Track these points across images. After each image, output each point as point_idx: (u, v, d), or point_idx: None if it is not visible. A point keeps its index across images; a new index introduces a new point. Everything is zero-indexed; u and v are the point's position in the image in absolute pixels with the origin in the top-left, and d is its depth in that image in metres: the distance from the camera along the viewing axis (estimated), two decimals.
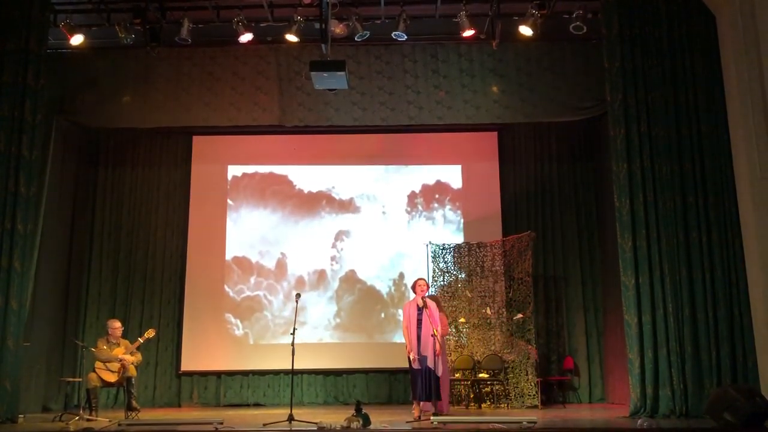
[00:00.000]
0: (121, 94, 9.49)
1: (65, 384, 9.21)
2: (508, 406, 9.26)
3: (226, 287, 10.79)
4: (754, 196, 7.13)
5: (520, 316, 9.59)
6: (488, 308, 9.83)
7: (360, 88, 9.41)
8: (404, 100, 9.41)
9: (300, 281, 10.75)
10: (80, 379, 9.25)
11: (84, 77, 9.45)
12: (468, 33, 8.60)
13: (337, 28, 8.47)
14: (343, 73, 8.07)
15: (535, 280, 9.94)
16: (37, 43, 8.14)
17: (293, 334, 7.35)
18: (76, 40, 8.67)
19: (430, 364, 7.37)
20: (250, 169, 11.18)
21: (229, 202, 11.06)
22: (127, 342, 8.21)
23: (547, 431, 6.51)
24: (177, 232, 10.99)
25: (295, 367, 7.48)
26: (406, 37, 8.56)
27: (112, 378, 7.92)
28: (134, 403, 7.91)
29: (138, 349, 8.19)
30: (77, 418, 7.42)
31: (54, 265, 9.97)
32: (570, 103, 9.27)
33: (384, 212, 10.99)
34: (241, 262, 10.88)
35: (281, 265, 10.87)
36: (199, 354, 10.50)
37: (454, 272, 10.12)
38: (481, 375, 9.47)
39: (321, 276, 10.81)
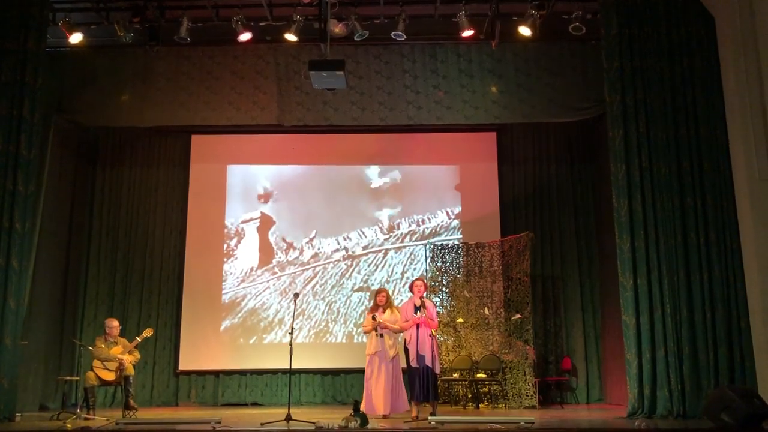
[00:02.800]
0: (119, 93, 9.48)
1: (63, 383, 9.19)
2: (506, 406, 9.26)
3: (224, 287, 10.78)
4: (752, 197, 7.14)
5: (518, 316, 9.59)
6: (486, 308, 9.84)
7: (359, 88, 9.41)
8: (403, 99, 9.42)
9: (298, 281, 10.74)
10: (78, 378, 9.28)
11: (82, 76, 9.44)
12: (467, 33, 8.60)
13: (336, 28, 8.46)
14: (342, 72, 8.06)
15: (533, 281, 9.94)
16: (36, 41, 8.12)
17: (291, 333, 7.36)
18: (75, 38, 8.66)
19: (428, 363, 7.38)
20: (249, 168, 11.17)
21: (228, 201, 11.05)
22: (125, 341, 8.20)
23: (544, 431, 6.52)
24: (175, 231, 11.00)
25: (292, 367, 7.49)
26: (405, 36, 8.55)
27: (110, 377, 7.91)
28: (132, 402, 7.90)
29: (136, 348, 8.18)
30: (75, 416, 7.41)
31: (52, 264, 9.97)
32: (568, 104, 9.27)
33: (382, 212, 10.99)
34: (240, 262, 10.87)
35: (279, 264, 10.87)
36: (197, 353, 10.50)
37: (453, 272, 10.12)
38: (479, 375, 9.47)
39: (319, 275, 10.80)
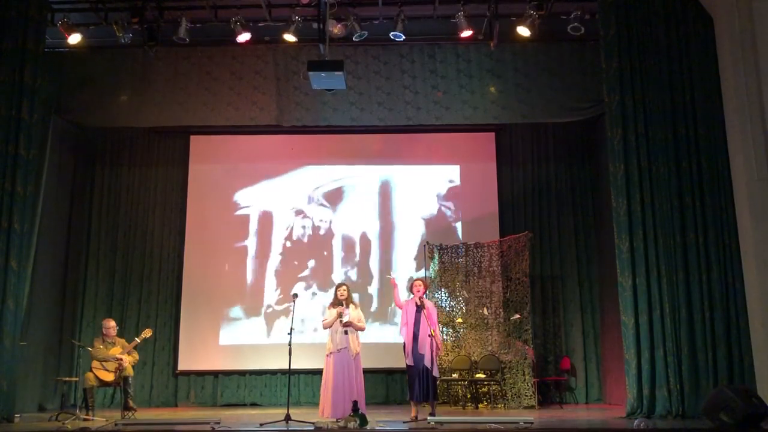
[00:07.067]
0: (118, 94, 9.49)
1: (62, 383, 9.20)
2: (505, 406, 9.26)
3: (223, 287, 10.77)
4: (750, 197, 7.15)
5: (517, 316, 9.59)
6: (485, 308, 9.83)
7: (358, 88, 9.42)
8: (402, 100, 9.42)
9: (297, 281, 10.73)
10: (77, 379, 9.28)
11: (81, 76, 9.43)
12: (466, 33, 8.61)
13: (335, 28, 8.47)
14: (341, 73, 8.05)
15: (532, 281, 9.94)
16: (35, 42, 8.13)
17: (290, 334, 7.35)
18: (74, 39, 8.66)
19: (427, 363, 7.37)
20: (248, 169, 11.16)
21: (227, 201, 11.04)
22: (123, 341, 8.19)
23: (543, 431, 6.52)
24: (174, 231, 10.99)
25: (291, 367, 7.47)
26: (404, 37, 8.56)
27: (109, 377, 7.91)
28: (131, 403, 7.89)
29: (135, 348, 8.18)
30: (74, 417, 7.40)
31: (51, 265, 9.96)
32: (567, 104, 9.28)
33: (382, 212, 10.98)
34: (239, 263, 10.86)
35: (278, 265, 10.86)
36: (196, 354, 10.50)
37: (452, 272, 10.11)
38: (478, 375, 9.47)
39: (318, 276, 10.79)
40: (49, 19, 8.59)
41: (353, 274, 10.77)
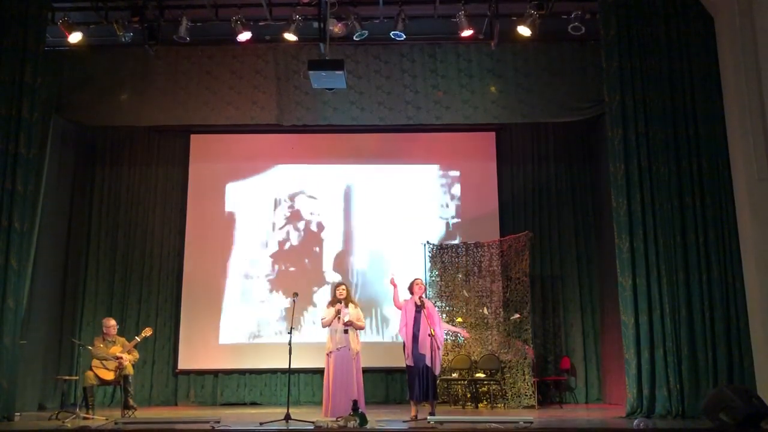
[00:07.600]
0: (118, 93, 9.48)
1: (62, 382, 9.18)
2: (504, 406, 9.27)
3: (223, 286, 10.77)
4: (751, 197, 7.16)
5: (517, 316, 9.59)
6: (485, 308, 9.84)
7: (358, 88, 9.42)
8: (402, 99, 9.42)
9: (297, 280, 10.71)
10: (77, 378, 9.29)
11: (82, 75, 9.43)
12: (466, 33, 8.61)
13: (336, 28, 8.47)
14: (341, 72, 8.06)
15: (532, 281, 9.93)
16: (35, 40, 8.12)
17: (290, 333, 7.35)
18: (74, 38, 8.66)
19: (428, 362, 7.37)
20: (248, 168, 11.16)
21: (227, 200, 11.05)
22: (124, 340, 8.19)
23: (543, 431, 6.52)
24: (174, 230, 10.99)
25: (291, 367, 7.48)
26: (404, 36, 8.56)
27: (109, 376, 7.91)
28: (131, 402, 7.90)
29: (135, 347, 8.17)
30: (74, 416, 7.41)
31: (51, 264, 9.97)
32: (568, 104, 9.28)
33: (381, 212, 10.96)
34: (239, 262, 10.86)
35: (278, 264, 10.86)
36: (196, 353, 10.49)
37: (452, 272, 10.11)
38: (478, 375, 9.47)
39: (317, 275, 10.79)
40: (49, 17, 8.57)
41: (352, 274, 10.76)
